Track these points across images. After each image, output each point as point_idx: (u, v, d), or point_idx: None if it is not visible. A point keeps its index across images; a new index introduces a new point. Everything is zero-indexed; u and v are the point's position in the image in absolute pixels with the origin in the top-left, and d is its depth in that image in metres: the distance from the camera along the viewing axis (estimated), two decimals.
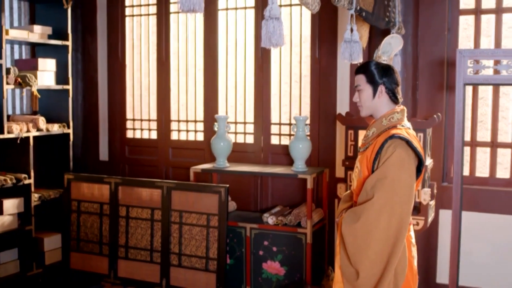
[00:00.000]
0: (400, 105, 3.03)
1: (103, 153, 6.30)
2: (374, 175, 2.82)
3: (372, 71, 2.96)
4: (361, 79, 3.02)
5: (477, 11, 4.86)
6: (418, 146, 2.87)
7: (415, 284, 3.02)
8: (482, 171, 4.99)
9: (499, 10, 4.79)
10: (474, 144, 4.95)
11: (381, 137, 2.90)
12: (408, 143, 2.81)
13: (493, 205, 4.75)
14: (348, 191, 3.29)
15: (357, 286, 2.82)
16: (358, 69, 3.04)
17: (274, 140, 5.54)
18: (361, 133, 4.56)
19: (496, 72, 3.99)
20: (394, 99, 2.99)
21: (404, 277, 2.87)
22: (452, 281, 4.13)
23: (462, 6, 4.89)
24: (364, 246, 2.79)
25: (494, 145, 4.90)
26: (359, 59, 3.52)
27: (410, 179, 2.80)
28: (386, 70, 2.97)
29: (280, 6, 5.26)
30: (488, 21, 4.86)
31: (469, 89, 4.84)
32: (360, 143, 4.48)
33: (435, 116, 4.52)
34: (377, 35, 4.60)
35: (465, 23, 4.94)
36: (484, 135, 4.97)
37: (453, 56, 4.70)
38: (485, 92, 4.91)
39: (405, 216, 2.80)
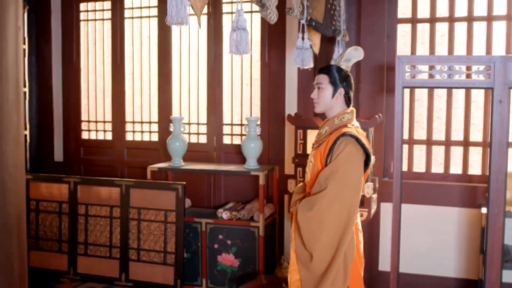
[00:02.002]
0: (350, 107, 3.39)
1: (58, 154, 6.45)
2: (327, 168, 3.16)
3: (335, 74, 3.31)
4: (324, 78, 3.32)
5: (413, 20, 5.28)
6: (366, 143, 3.23)
7: (362, 266, 3.39)
8: (419, 166, 5.40)
9: (433, 20, 5.22)
10: (411, 142, 5.36)
11: (333, 135, 3.24)
12: (358, 140, 3.17)
13: (429, 198, 5.16)
14: (301, 184, 3.62)
15: (311, 268, 3.16)
16: (323, 69, 3.35)
17: (226, 140, 5.84)
18: (310, 132, 4.91)
19: (431, 76, 4.37)
20: (347, 102, 3.36)
21: (353, 259, 3.23)
22: (393, 268, 4.46)
23: (400, 15, 5.30)
24: (317, 232, 3.12)
25: (429, 143, 5.32)
26: (310, 65, 3.85)
27: (358, 172, 3.17)
28: (347, 76, 3.34)
29: (231, 13, 5.60)
30: (423, 29, 5.27)
31: (406, 92, 5.23)
32: (309, 141, 4.87)
33: (376, 116, 4.90)
34: (323, 42, 4.96)
35: (403, 31, 5.32)
36: (420, 133, 5.37)
37: (392, 61, 5.12)
38: (421, 95, 5.32)
39: (354, 206, 3.16)
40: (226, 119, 5.83)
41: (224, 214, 5.29)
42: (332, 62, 4.63)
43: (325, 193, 3.11)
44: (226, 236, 5.28)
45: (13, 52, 1.77)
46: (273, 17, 3.03)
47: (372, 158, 4.96)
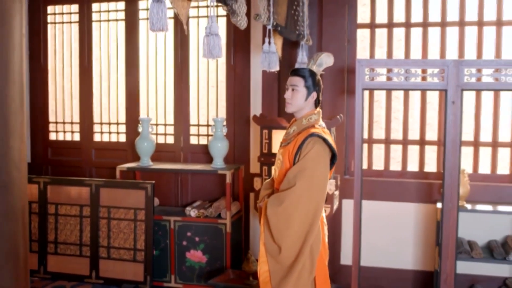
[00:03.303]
0: (318, 108, 3.61)
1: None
2: (295, 166, 3.36)
3: (310, 78, 3.51)
4: (299, 81, 3.49)
5: (372, 26, 5.54)
6: (333, 143, 3.46)
7: (327, 257, 3.61)
8: (378, 165, 5.66)
9: (390, 25, 5.49)
10: (371, 141, 5.62)
11: (301, 135, 3.44)
12: (325, 140, 3.39)
13: (388, 194, 5.42)
14: (268, 180, 3.82)
15: (279, 260, 3.36)
16: (299, 72, 3.51)
17: (193, 140, 6.01)
18: (275, 132, 5.12)
19: (389, 79, 4.62)
20: (316, 104, 3.58)
21: (319, 252, 3.45)
22: (355, 262, 4.68)
23: (360, 20, 5.55)
24: (286, 226, 3.32)
25: (387, 142, 5.59)
26: (276, 68, 4.04)
27: (325, 170, 3.39)
28: (319, 81, 3.56)
29: (198, 17, 5.77)
30: (381, 34, 5.54)
31: (366, 94, 5.49)
32: (274, 141, 5.07)
33: (338, 117, 5.13)
34: (287, 46, 5.18)
35: (362, 36, 5.58)
36: (379, 133, 5.63)
37: (352, 64, 5.37)
38: (380, 96, 5.59)
39: (321, 201, 3.37)
40: (193, 120, 6.00)
41: (192, 212, 5.45)
42: (297, 66, 4.86)
43: (294, 190, 3.30)
44: (194, 233, 5.45)
45: (18, 57, 1.94)
46: (243, 23, 3.22)
47: None
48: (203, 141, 5.97)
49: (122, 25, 6.14)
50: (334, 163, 3.52)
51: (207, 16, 5.80)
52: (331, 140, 3.46)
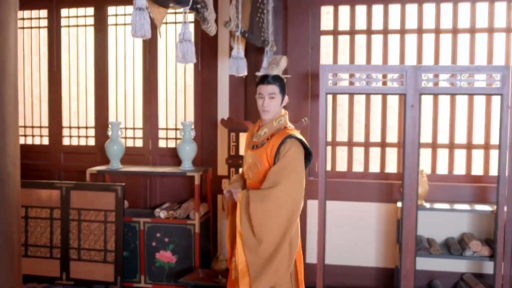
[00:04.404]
0: (283, 110, 3.81)
1: None
2: (276, 166, 3.56)
3: (282, 84, 3.70)
4: (275, 89, 3.65)
5: (335, 32, 5.76)
6: (307, 143, 3.69)
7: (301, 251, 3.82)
8: (341, 166, 5.85)
9: (352, 32, 5.72)
10: (334, 144, 5.81)
11: (277, 137, 3.63)
12: (301, 141, 3.62)
13: (350, 195, 5.61)
14: (239, 174, 4.00)
15: (258, 252, 3.52)
16: (274, 81, 3.66)
17: (162, 144, 6.14)
18: (242, 135, 5.29)
19: (351, 83, 4.82)
20: (284, 107, 3.78)
21: (297, 246, 3.68)
22: (320, 260, 4.84)
23: (323, 27, 5.76)
24: (267, 222, 3.49)
25: (350, 144, 5.80)
26: (244, 73, 4.21)
27: (302, 169, 3.62)
28: (285, 84, 3.76)
29: (166, 23, 5.91)
30: (344, 41, 5.76)
31: (329, 98, 5.68)
32: (241, 143, 5.23)
33: (302, 120, 5.33)
34: (253, 52, 5.36)
35: (326, 42, 5.79)
36: (342, 136, 5.83)
37: (316, 70, 5.57)
38: (343, 100, 5.79)
39: (300, 198, 3.59)
40: (162, 123, 6.13)
41: (162, 213, 5.58)
42: (262, 71, 5.03)
43: (277, 188, 3.49)
44: (164, 234, 5.57)
45: (13, 61, 2.07)
46: (212, 30, 3.38)
47: None
48: (172, 144, 6.10)
49: (91, 30, 6.25)
50: (310, 161, 3.75)
51: (175, 23, 5.94)
52: (305, 140, 3.68)
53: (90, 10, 6.24)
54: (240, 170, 4.04)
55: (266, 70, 5.06)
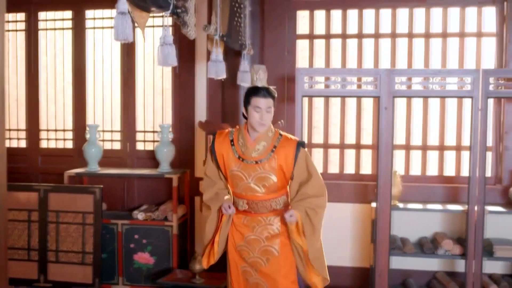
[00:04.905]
0: None
1: None
2: (300, 171, 3.74)
3: (275, 97, 3.73)
4: (271, 102, 3.66)
5: (311, 36, 5.87)
6: None
7: None
8: (318, 168, 5.94)
9: (328, 36, 5.83)
10: (311, 146, 5.91)
11: (284, 147, 3.72)
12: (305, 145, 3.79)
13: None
14: (217, 187, 3.92)
15: (320, 251, 3.87)
16: (269, 94, 3.66)
17: (140, 146, 6.19)
18: None
19: (327, 86, 4.93)
20: None
21: None
22: None
23: (299, 32, 5.87)
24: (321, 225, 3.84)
25: (326, 146, 5.91)
26: (223, 76, 4.28)
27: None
28: None
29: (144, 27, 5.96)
30: (320, 45, 5.88)
31: (306, 100, 5.78)
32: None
33: (279, 122, 5.41)
34: (230, 55, 5.44)
35: (302, 46, 5.90)
36: (318, 138, 5.94)
37: (292, 73, 5.65)
38: (319, 103, 5.91)
39: None
40: (140, 126, 6.18)
41: (140, 215, 5.63)
42: (240, 74, 5.12)
43: (325, 199, 3.83)
44: (142, 236, 5.62)
45: (1, 64, 2.12)
46: (192, 34, 3.46)
47: None
48: (150, 146, 6.15)
49: (69, 33, 6.27)
50: None
51: (153, 26, 6.00)
52: None
53: (68, 14, 6.26)
54: (217, 182, 3.92)
55: (243, 74, 5.16)
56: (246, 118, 3.76)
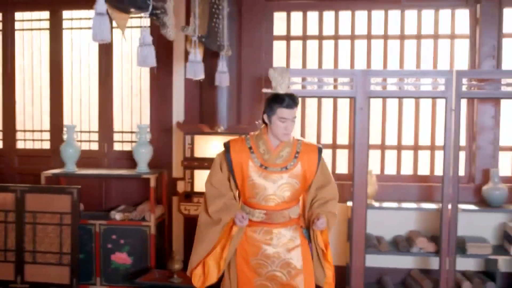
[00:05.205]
0: None
1: None
2: (321, 176, 3.70)
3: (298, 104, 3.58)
4: (296, 111, 3.52)
5: (288, 38, 5.93)
6: None
7: None
8: None
9: (304, 37, 5.90)
10: None
11: (307, 152, 3.64)
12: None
13: None
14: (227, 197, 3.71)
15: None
16: (295, 104, 3.49)
17: (118, 147, 6.20)
18: (197, 138, 5.42)
19: (303, 87, 5.00)
20: None
21: None
22: None
23: (276, 33, 5.93)
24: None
25: None
26: (201, 76, 4.31)
27: None
28: None
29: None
30: (296, 46, 5.95)
31: None
32: (197, 146, 5.32)
33: (256, 122, 5.47)
34: (208, 56, 5.46)
35: (279, 47, 5.96)
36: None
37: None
38: None
39: None
40: (117, 126, 6.19)
41: (117, 216, 5.64)
42: (218, 75, 5.14)
43: (336, 188, 3.77)
44: (119, 236, 5.62)
45: None
46: (171, 35, 3.48)
47: None
48: (127, 147, 6.16)
49: (46, 34, 6.25)
50: None
51: (131, 27, 6.00)
52: None
53: (45, 14, 6.24)
54: (226, 193, 3.71)
55: (221, 75, 5.18)
56: (265, 123, 3.59)
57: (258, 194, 3.60)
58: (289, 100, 3.46)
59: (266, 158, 3.58)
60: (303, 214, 3.78)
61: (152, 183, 5.57)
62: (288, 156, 3.60)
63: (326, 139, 5.90)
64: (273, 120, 3.50)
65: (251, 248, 3.64)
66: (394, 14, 5.78)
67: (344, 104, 5.86)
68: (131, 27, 6.01)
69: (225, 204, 3.65)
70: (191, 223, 5.78)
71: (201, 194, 5.48)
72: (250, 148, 3.61)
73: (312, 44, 5.92)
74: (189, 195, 5.52)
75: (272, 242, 3.62)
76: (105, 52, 6.08)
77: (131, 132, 6.15)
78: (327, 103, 5.90)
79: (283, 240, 3.64)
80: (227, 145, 3.67)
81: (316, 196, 3.69)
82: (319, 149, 3.67)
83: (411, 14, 5.76)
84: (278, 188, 3.58)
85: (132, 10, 2.97)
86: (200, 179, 5.47)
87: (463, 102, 5.30)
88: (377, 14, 5.80)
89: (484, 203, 5.33)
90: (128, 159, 6.06)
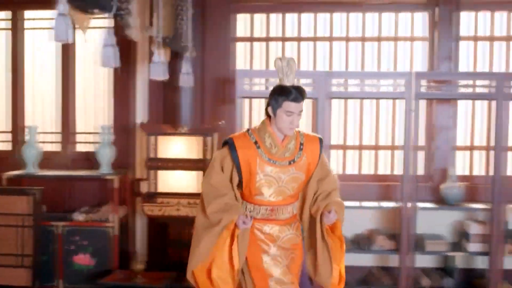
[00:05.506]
0: None
1: None
2: (321, 167, 3.54)
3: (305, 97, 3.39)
4: (302, 105, 3.35)
5: (251, 39, 5.99)
6: None
7: None
8: None
9: (267, 39, 5.96)
10: None
11: (309, 142, 3.49)
12: None
13: None
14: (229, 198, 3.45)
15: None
16: (302, 97, 3.31)
17: (80, 148, 6.17)
18: (161, 138, 5.43)
19: (266, 88, 5.06)
20: None
21: None
22: None
23: (239, 34, 5.98)
24: None
25: None
26: (165, 77, 4.34)
27: None
28: None
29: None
30: (259, 47, 6.01)
31: (247, 101, 5.86)
32: (160, 146, 5.33)
33: (220, 122, 5.51)
34: (171, 57, 5.49)
35: (242, 49, 6.02)
36: None
37: (232, 75, 5.72)
38: (259, 105, 6.02)
39: None
40: (80, 127, 6.16)
41: (80, 217, 5.61)
42: (182, 77, 5.17)
43: (335, 179, 3.62)
44: (82, 237, 5.59)
45: None
46: (136, 36, 3.51)
47: None
48: (90, 148, 6.12)
49: (8, 34, 6.18)
50: None
51: (94, 28, 5.97)
52: None
53: (7, 14, 6.18)
54: (227, 193, 3.45)
55: (184, 76, 5.21)
56: (269, 116, 3.43)
57: (266, 189, 3.44)
58: (296, 93, 3.29)
59: (273, 152, 3.41)
60: (301, 210, 3.61)
61: (115, 184, 5.56)
62: (294, 148, 3.45)
63: None
64: (278, 114, 3.33)
65: (261, 249, 3.49)
66: (355, 17, 5.89)
67: (306, 105, 5.91)
68: (95, 27, 5.97)
69: (226, 204, 3.41)
70: (155, 224, 5.81)
71: (164, 194, 5.53)
72: (256, 143, 3.43)
73: (275, 46, 5.99)
74: (153, 196, 5.52)
75: (278, 241, 3.50)
76: (68, 52, 6.04)
77: (94, 133, 6.12)
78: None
79: (289, 237, 3.52)
80: (230, 142, 3.45)
81: (318, 189, 3.53)
82: (320, 139, 3.56)
83: (371, 17, 5.87)
84: (286, 182, 3.44)
85: (96, 11, 2.99)
86: (164, 179, 5.50)
87: (423, 103, 5.43)
88: (339, 17, 5.90)
89: (442, 201, 5.46)
90: (91, 160, 6.02)
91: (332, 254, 3.45)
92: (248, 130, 3.51)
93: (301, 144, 3.47)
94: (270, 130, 3.41)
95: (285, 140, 3.42)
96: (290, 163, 3.43)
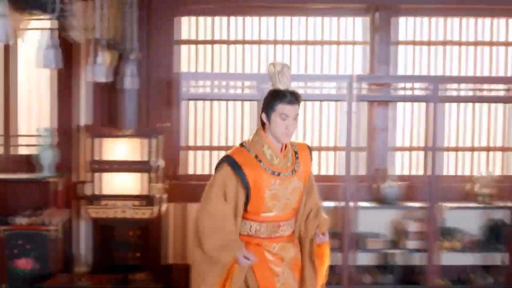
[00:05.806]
0: None
1: None
2: (310, 177, 3.38)
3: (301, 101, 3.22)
4: (298, 108, 3.16)
5: (196, 42, 6.02)
6: None
7: None
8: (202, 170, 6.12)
9: (212, 42, 6.01)
10: (195, 148, 6.04)
11: (300, 151, 3.33)
12: None
13: None
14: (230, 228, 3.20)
15: None
16: (297, 100, 3.13)
17: (22, 151, 6.07)
18: (106, 141, 5.40)
19: (210, 90, 5.12)
20: None
21: None
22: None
23: (184, 37, 6.00)
24: None
25: (211, 148, 6.06)
26: (108, 79, 4.34)
27: None
28: None
29: (28, 29, 5.87)
30: (205, 50, 6.04)
31: (191, 104, 5.89)
32: (105, 149, 5.31)
33: (165, 125, 5.52)
34: (115, 59, 5.49)
35: (186, 51, 6.02)
36: (202, 140, 6.10)
37: (177, 77, 5.74)
38: (204, 106, 6.03)
39: None
40: (22, 130, 6.07)
41: (23, 220, 5.53)
42: (127, 79, 5.17)
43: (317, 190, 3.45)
44: (25, 241, 5.50)
45: None
46: (79, 37, 3.52)
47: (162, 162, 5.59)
48: (32, 151, 6.03)
49: None
50: None
51: (36, 29, 5.91)
52: None
53: None
54: (225, 225, 3.16)
55: (128, 78, 5.20)
56: (263, 125, 3.22)
57: (274, 205, 3.21)
58: (291, 96, 3.10)
59: (276, 164, 3.19)
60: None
61: (59, 187, 5.52)
62: (292, 157, 3.28)
63: (235, 141, 5.99)
64: (272, 118, 3.12)
65: (273, 272, 3.23)
66: (299, 21, 6.00)
67: (252, 107, 5.99)
68: (39, 29, 5.92)
69: (222, 240, 3.13)
70: (100, 226, 5.77)
71: (109, 197, 5.47)
72: (256, 157, 3.18)
73: (220, 49, 6.05)
74: (98, 198, 5.48)
75: (285, 260, 3.26)
76: (11, 53, 5.95)
77: (36, 135, 6.03)
78: (236, 106, 5.97)
79: (292, 255, 3.29)
80: (230, 160, 3.17)
81: (307, 204, 3.35)
82: (309, 146, 3.41)
83: (314, 21, 6.00)
84: (290, 193, 3.24)
85: (38, 12, 2.98)
86: (109, 182, 5.47)
87: (364, 105, 5.58)
88: (283, 20, 6.00)
89: (382, 200, 5.61)
90: (34, 162, 5.94)
91: (318, 271, 3.34)
92: (242, 144, 3.27)
93: (296, 152, 3.30)
94: (267, 140, 3.19)
95: (284, 150, 3.24)
96: (293, 172, 3.24)
